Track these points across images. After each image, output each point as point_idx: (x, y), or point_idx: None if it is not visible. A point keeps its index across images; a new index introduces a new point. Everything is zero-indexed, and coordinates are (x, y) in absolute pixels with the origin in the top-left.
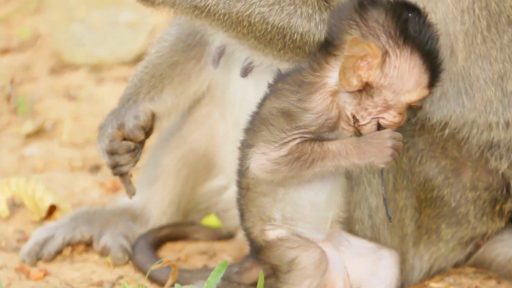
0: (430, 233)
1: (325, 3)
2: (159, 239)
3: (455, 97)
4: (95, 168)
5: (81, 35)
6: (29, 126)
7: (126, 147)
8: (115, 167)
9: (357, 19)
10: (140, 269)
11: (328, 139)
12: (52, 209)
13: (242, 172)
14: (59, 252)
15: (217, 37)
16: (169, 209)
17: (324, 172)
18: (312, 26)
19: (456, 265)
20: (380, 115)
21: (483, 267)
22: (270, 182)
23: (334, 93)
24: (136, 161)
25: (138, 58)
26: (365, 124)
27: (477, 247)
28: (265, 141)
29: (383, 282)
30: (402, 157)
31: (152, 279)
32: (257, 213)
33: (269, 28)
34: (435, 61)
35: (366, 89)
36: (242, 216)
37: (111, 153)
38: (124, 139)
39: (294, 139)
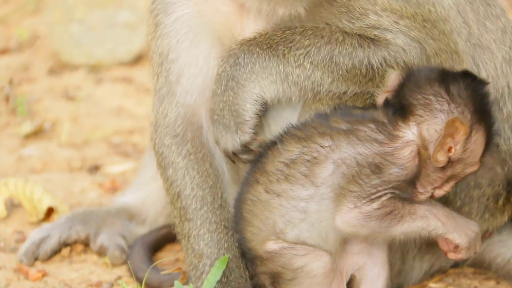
0: None
1: (368, 40)
2: (158, 240)
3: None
4: (94, 169)
5: (79, 35)
6: (27, 127)
7: None
8: None
9: (443, 94)
10: (135, 273)
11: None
12: (50, 211)
13: (272, 174)
14: (55, 251)
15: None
16: (166, 209)
17: (409, 232)
18: (356, 63)
19: (455, 265)
20: (439, 185)
21: (482, 268)
22: (354, 236)
23: (418, 153)
24: None
25: (137, 59)
26: (421, 193)
27: None
28: (356, 197)
29: (377, 263)
30: None
31: (148, 284)
32: (270, 222)
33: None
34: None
35: None
36: (247, 222)
37: None
38: None
39: (385, 194)
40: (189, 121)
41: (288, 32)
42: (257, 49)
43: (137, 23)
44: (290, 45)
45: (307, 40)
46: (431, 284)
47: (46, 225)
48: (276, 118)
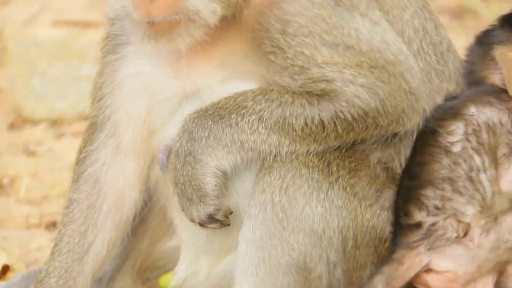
0: None
1: (317, 97)
2: None
3: None
4: (52, 225)
5: (41, 89)
6: None
7: None
8: None
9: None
10: None
11: None
12: (5, 269)
13: None
14: None
15: None
16: (124, 266)
17: None
18: (308, 122)
19: None
20: None
21: None
22: None
23: None
24: None
25: None
26: None
27: None
28: None
29: None
30: (365, 213)
31: None
32: None
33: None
34: None
35: None
36: None
37: None
38: None
39: None
40: None
41: (240, 98)
42: (210, 122)
43: None
44: (242, 112)
45: (259, 105)
46: None
47: (0, 284)
48: (243, 180)
